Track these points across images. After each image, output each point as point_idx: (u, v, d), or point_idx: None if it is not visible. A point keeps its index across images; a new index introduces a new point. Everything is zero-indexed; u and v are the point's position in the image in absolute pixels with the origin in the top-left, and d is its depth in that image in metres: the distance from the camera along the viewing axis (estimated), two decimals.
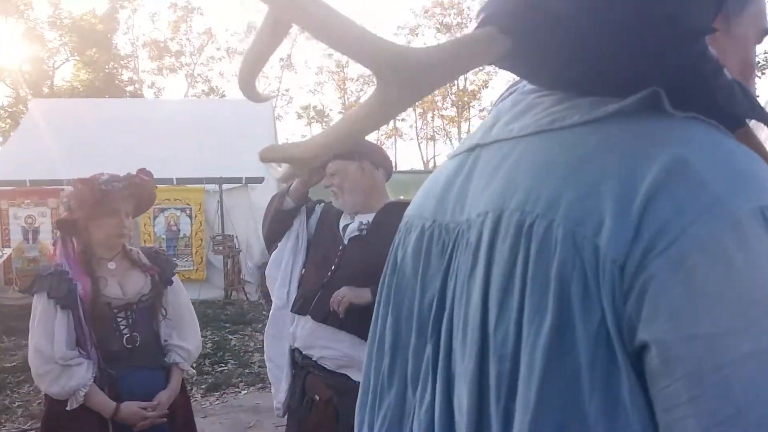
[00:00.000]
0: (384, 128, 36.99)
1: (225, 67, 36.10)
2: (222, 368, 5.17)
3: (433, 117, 36.03)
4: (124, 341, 2.13)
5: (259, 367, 5.20)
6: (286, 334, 2.25)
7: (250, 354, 5.57)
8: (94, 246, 2.16)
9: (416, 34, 35.48)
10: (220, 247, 7.11)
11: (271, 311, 2.32)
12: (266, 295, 7.57)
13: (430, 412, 0.60)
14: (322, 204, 2.37)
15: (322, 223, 2.30)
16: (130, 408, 2.05)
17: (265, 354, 2.36)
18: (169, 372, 2.23)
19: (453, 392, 0.58)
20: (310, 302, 2.13)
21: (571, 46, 0.50)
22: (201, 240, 7.45)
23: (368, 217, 2.16)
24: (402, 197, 2.33)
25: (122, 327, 2.15)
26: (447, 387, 0.59)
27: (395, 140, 37.53)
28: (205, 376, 4.88)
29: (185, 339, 2.29)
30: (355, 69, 38.20)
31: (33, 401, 4.47)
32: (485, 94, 35.04)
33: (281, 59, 36.70)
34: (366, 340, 2.03)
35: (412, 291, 0.67)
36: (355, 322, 2.01)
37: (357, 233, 2.15)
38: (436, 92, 34.84)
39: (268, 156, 0.51)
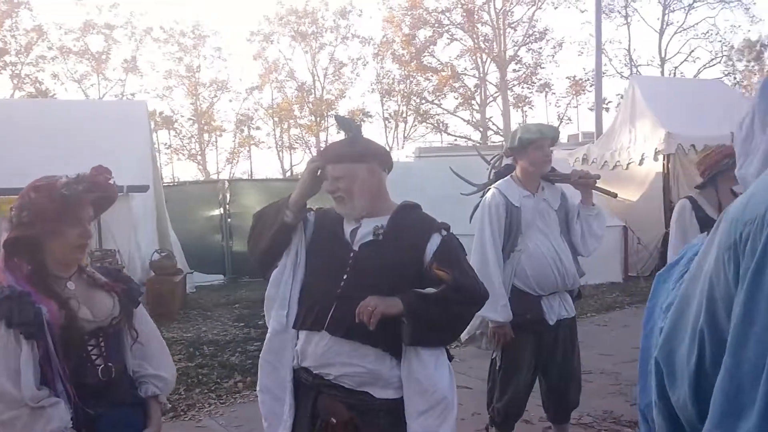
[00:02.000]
0: (239, 136, 35.89)
1: (58, 68, 32.35)
2: None
3: (289, 126, 35.58)
4: (99, 373, 1.82)
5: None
6: (285, 361, 2.03)
7: None
8: (49, 263, 1.80)
9: (270, 41, 34.90)
10: (99, 264, 6.37)
11: (267, 337, 2.08)
12: (153, 314, 6.88)
13: None
14: (312, 212, 2.17)
15: (319, 230, 2.12)
16: None
17: (258, 385, 2.10)
18: (146, 407, 1.94)
19: None
20: (325, 316, 1.94)
21: None
22: None
23: (380, 221, 2.03)
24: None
25: (93, 356, 1.85)
26: None
27: (250, 149, 36.51)
28: None
29: (159, 368, 2.01)
30: (208, 74, 36.77)
31: None
32: (342, 104, 35.39)
33: (125, 61, 34.15)
34: (389, 353, 1.91)
35: None
36: (382, 334, 1.87)
37: (371, 237, 2.01)
38: (293, 101, 34.56)
39: None
